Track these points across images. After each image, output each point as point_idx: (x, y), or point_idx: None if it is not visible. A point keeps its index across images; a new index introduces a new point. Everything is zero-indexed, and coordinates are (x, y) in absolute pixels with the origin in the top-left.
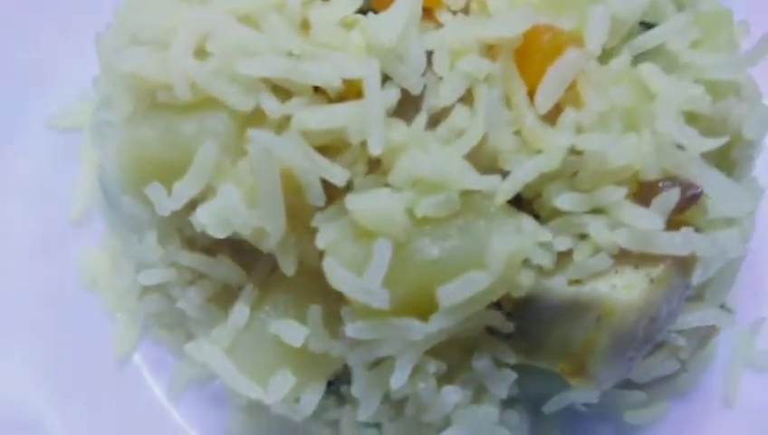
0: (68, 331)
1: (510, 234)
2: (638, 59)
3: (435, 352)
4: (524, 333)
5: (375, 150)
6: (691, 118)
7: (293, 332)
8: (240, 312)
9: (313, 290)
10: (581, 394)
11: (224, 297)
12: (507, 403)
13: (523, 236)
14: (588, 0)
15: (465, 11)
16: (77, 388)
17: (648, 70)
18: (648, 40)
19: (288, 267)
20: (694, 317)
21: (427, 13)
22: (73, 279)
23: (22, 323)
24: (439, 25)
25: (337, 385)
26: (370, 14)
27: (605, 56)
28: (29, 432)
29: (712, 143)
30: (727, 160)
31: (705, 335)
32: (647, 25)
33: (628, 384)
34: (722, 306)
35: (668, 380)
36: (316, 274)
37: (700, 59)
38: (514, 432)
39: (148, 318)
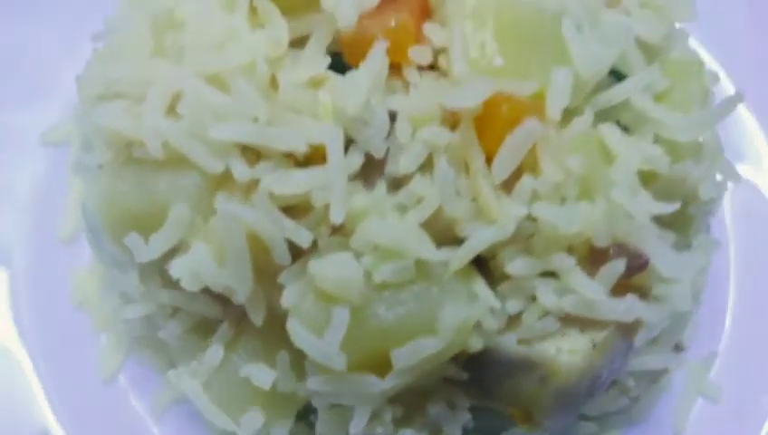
0: (57, 348)
1: (461, 303)
2: (602, 112)
3: (392, 398)
4: (477, 381)
5: (336, 220)
6: (649, 177)
7: (263, 375)
8: (215, 351)
9: (281, 337)
10: None
11: (202, 328)
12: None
13: (474, 305)
14: (553, 58)
15: (434, 65)
16: (63, 403)
17: (608, 131)
18: (612, 96)
19: (257, 318)
20: (646, 360)
21: (395, 68)
22: (66, 296)
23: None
24: (405, 83)
25: (307, 413)
26: (337, 77)
27: (568, 114)
28: None
29: (665, 208)
30: (684, 216)
31: (657, 373)
32: (616, 74)
33: (580, 416)
34: (676, 345)
35: (621, 410)
36: (284, 323)
37: (663, 116)
38: None
39: (132, 340)
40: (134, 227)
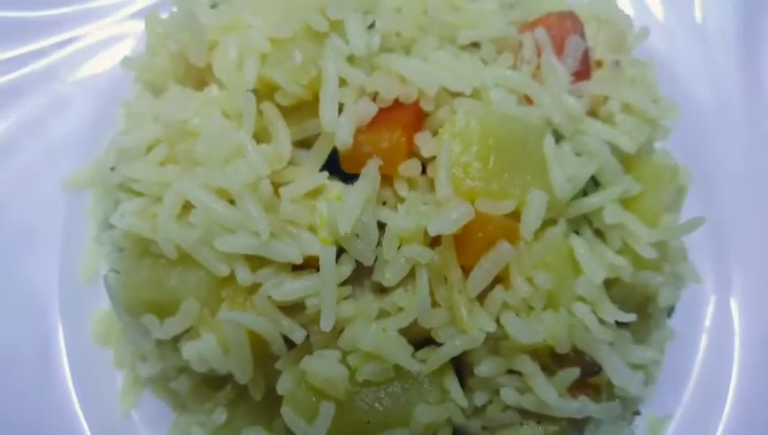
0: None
1: (433, 403)
2: (577, 219)
3: None
4: None
5: (325, 328)
6: (613, 281)
7: None
8: (219, 413)
9: (278, 407)
10: None
11: (209, 383)
12: None
13: (444, 405)
14: (533, 177)
15: (423, 173)
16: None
17: (577, 244)
18: (586, 205)
19: (256, 394)
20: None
21: (387, 180)
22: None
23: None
24: (395, 193)
25: None
26: (335, 186)
27: (544, 224)
28: None
29: (625, 317)
30: (643, 315)
31: None
32: (594, 180)
33: None
34: (633, 412)
35: None
36: (280, 397)
37: (633, 226)
38: None
39: (147, 381)
40: (149, 310)
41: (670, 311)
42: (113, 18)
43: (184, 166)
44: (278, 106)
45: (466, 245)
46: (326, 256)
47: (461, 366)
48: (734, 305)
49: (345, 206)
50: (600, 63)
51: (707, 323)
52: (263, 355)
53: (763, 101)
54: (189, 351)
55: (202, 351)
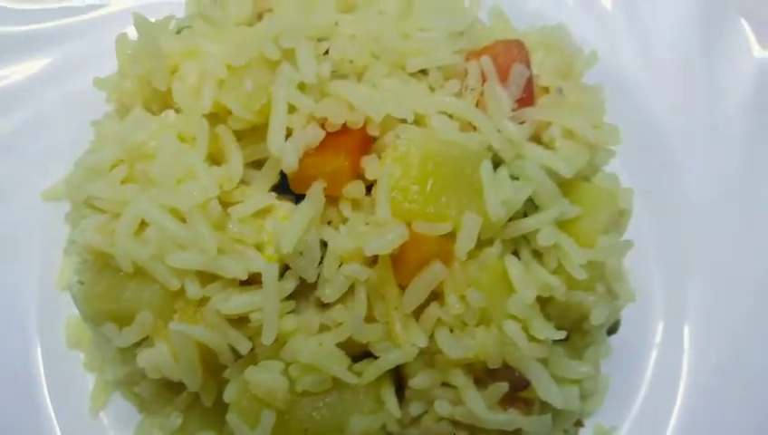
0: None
1: (367, 412)
2: (514, 239)
3: None
4: None
5: (267, 341)
6: (548, 300)
7: None
8: (175, 418)
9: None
10: None
11: (169, 388)
12: None
13: (378, 415)
14: (468, 201)
15: (367, 193)
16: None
17: (511, 264)
18: (523, 227)
19: (207, 401)
20: None
21: (332, 200)
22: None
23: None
24: (339, 213)
25: None
26: (282, 205)
27: (481, 244)
28: None
29: (556, 334)
30: (578, 331)
31: None
32: (533, 202)
33: None
34: (576, 421)
35: None
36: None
37: (568, 248)
38: None
39: (115, 383)
40: (109, 319)
41: (614, 328)
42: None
43: (142, 185)
44: (232, 129)
45: (402, 264)
46: (269, 272)
47: (400, 378)
48: (686, 325)
49: (289, 225)
50: (546, 90)
51: (658, 338)
52: (212, 365)
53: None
54: (143, 358)
55: (155, 359)
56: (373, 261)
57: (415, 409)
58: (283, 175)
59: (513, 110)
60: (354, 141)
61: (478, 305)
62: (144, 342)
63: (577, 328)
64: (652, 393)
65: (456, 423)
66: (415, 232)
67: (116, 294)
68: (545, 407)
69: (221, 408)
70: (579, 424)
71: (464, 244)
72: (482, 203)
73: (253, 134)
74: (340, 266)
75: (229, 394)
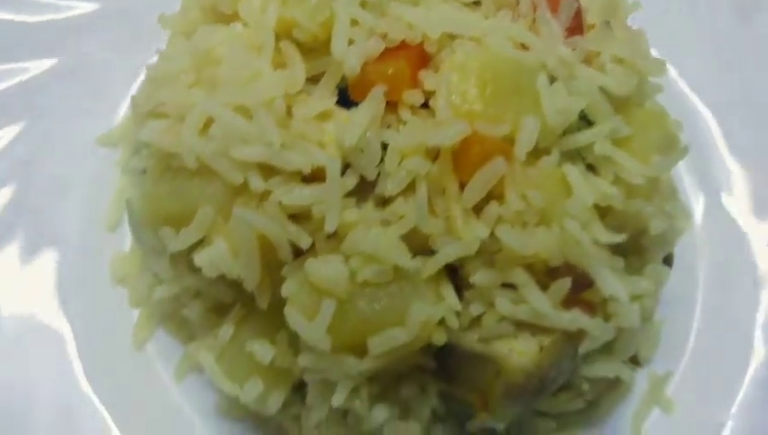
0: (97, 319)
1: (428, 303)
2: (570, 152)
3: (369, 378)
4: (444, 368)
5: (329, 229)
6: (606, 210)
7: (264, 351)
8: (226, 329)
9: (282, 320)
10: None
11: (219, 310)
12: (435, 417)
13: (439, 305)
14: (526, 107)
15: (426, 104)
16: (98, 367)
17: (570, 170)
18: (579, 140)
19: (262, 302)
20: (599, 367)
21: (391, 106)
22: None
23: (58, 310)
24: (400, 119)
25: (301, 386)
26: (342, 111)
27: (538, 153)
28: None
29: (613, 238)
30: (637, 246)
31: (611, 381)
32: (587, 119)
33: (539, 413)
34: (633, 359)
35: (579, 411)
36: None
37: (622, 160)
38: None
39: (161, 316)
40: (168, 222)
41: (668, 260)
42: None
43: (208, 89)
44: (295, 45)
45: (463, 160)
46: (332, 166)
47: (458, 280)
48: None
49: (351, 123)
50: (592, 27)
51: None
52: (271, 262)
53: None
54: (201, 257)
55: (213, 256)
56: (434, 158)
57: (475, 309)
58: (340, 91)
59: (564, 38)
60: (413, 55)
61: (539, 205)
62: (199, 245)
63: (635, 248)
64: (703, 338)
65: (517, 324)
66: (475, 130)
67: (178, 193)
68: (606, 318)
69: (274, 315)
70: (635, 362)
71: (523, 145)
72: (539, 110)
73: (312, 51)
74: (401, 163)
75: (288, 289)
